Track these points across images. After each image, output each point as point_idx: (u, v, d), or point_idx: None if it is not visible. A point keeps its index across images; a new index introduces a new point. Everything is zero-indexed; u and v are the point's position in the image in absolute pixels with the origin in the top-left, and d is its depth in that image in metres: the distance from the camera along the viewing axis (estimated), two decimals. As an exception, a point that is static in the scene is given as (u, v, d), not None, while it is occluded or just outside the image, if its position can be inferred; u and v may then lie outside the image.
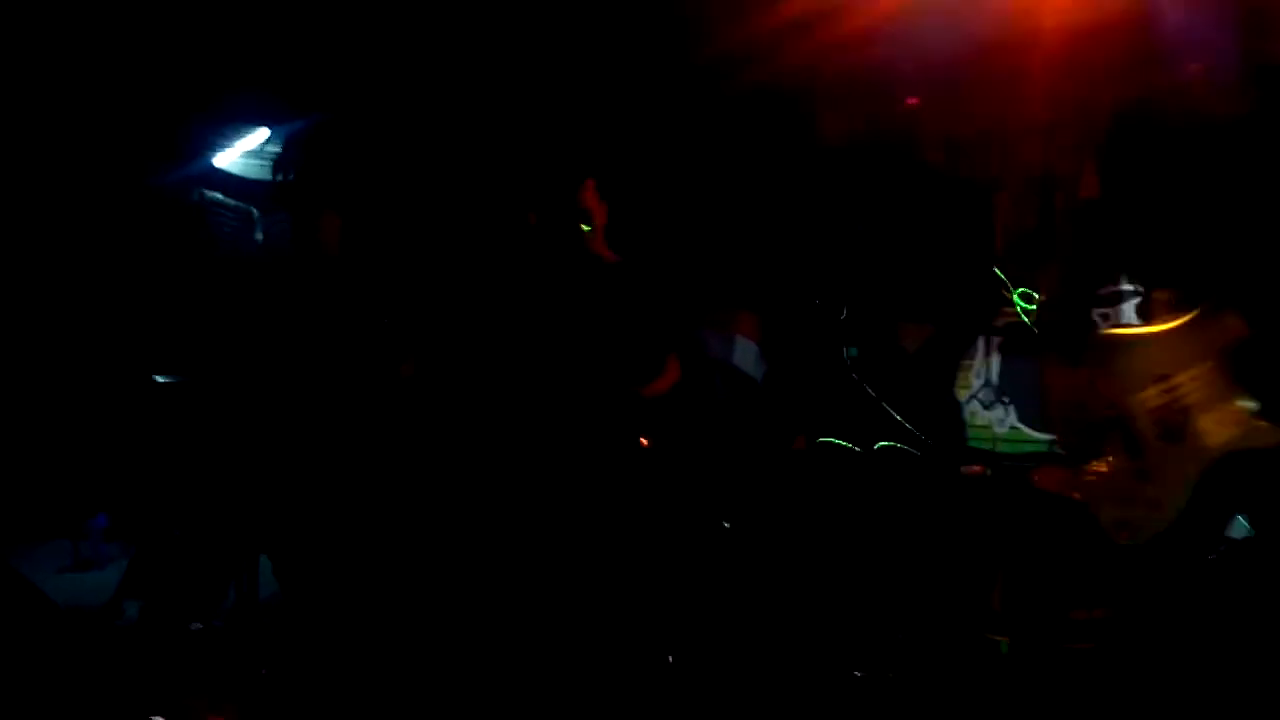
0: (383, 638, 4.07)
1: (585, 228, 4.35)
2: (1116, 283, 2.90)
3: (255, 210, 6.11)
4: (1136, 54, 2.77)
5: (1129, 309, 2.91)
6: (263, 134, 6.05)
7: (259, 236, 6.09)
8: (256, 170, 6.14)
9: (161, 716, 3.62)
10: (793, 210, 5.18)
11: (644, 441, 4.69)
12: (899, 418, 4.60)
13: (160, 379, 5.24)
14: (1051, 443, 3.44)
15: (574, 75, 5.12)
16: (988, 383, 5.70)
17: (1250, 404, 2.25)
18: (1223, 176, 2.43)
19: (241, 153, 6.26)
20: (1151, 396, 2.40)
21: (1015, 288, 5.64)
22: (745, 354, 5.20)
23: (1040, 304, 2.98)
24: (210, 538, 4.41)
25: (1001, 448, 5.52)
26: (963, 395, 5.39)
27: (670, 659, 4.25)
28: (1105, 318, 3.53)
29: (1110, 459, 2.45)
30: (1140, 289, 2.62)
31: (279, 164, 5.43)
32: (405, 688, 3.97)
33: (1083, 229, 2.74)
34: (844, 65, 4.88)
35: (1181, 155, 2.55)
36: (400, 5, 4.86)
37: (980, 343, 5.79)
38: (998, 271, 5.62)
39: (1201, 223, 2.45)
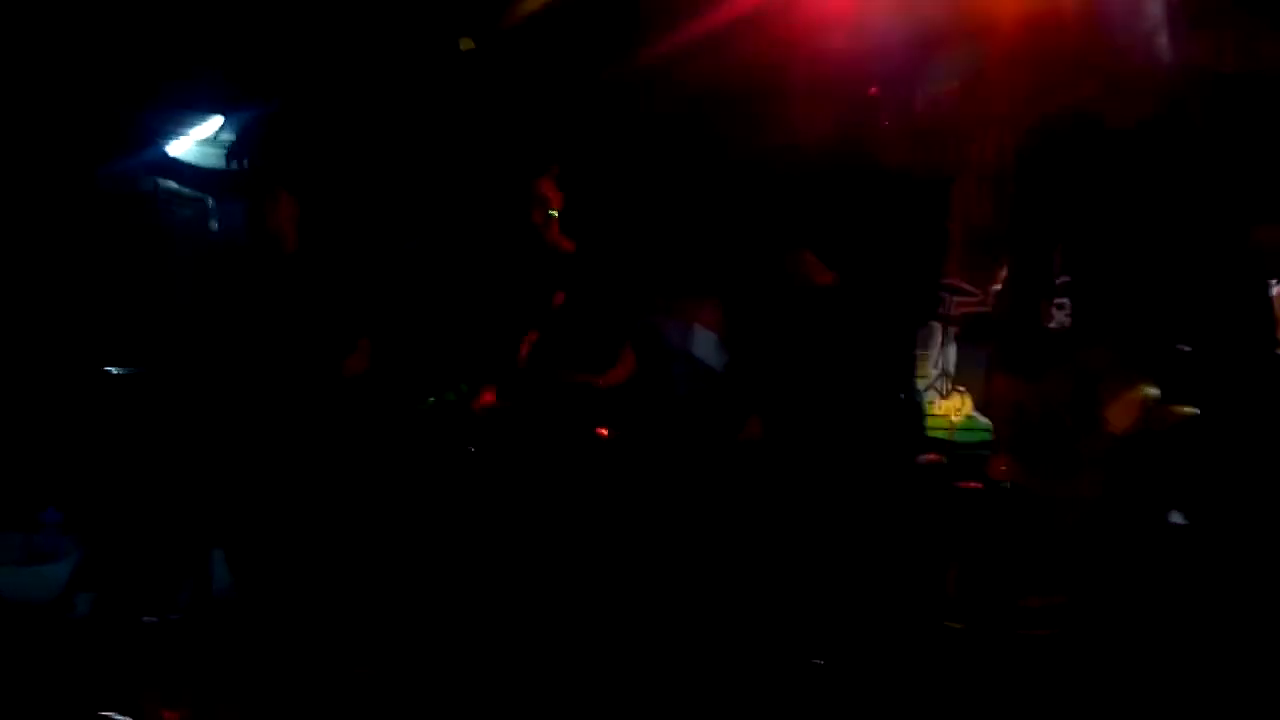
0: (338, 629, 4.05)
1: (545, 216, 4.33)
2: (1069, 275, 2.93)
3: (210, 199, 6.06)
4: (1087, 51, 2.80)
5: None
6: (217, 121, 6.00)
7: (214, 225, 6.04)
8: (211, 158, 6.08)
9: (115, 712, 3.57)
10: (750, 202, 5.20)
11: (603, 432, 4.69)
12: (858, 406, 4.61)
13: (114, 370, 5.18)
14: (992, 430, 3.48)
15: (532, 65, 5.10)
16: (944, 372, 5.76)
17: (1150, 390, 2.32)
18: (1152, 176, 2.48)
19: (196, 141, 6.20)
20: (1072, 390, 2.46)
21: (971, 280, 5.70)
22: (705, 344, 5.20)
23: (995, 296, 3.02)
24: (163, 531, 4.37)
25: (958, 436, 5.58)
26: (920, 385, 5.44)
27: (629, 647, 4.25)
28: (1061, 308, 3.56)
29: (1048, 451, 2.51)
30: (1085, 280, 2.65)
31: (233, 152, 5.39)
32: (361, 680, 3.96)
33: (1033, 221, 2.76)
34: (801, 58, 4.89)
35: (1122, 153, 2.59)
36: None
37: (938, 333, 5.85)
38: (952, 266, 5.68)
39: (1134, 221, 2.50)
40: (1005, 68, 5.17)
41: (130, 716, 3.52)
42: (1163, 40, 2.49)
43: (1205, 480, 2.40)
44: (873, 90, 4.98)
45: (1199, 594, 2.63)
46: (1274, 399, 2.38)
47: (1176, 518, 2.46)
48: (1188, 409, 2.32)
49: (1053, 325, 2.81)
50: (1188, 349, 2.36)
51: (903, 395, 4.65)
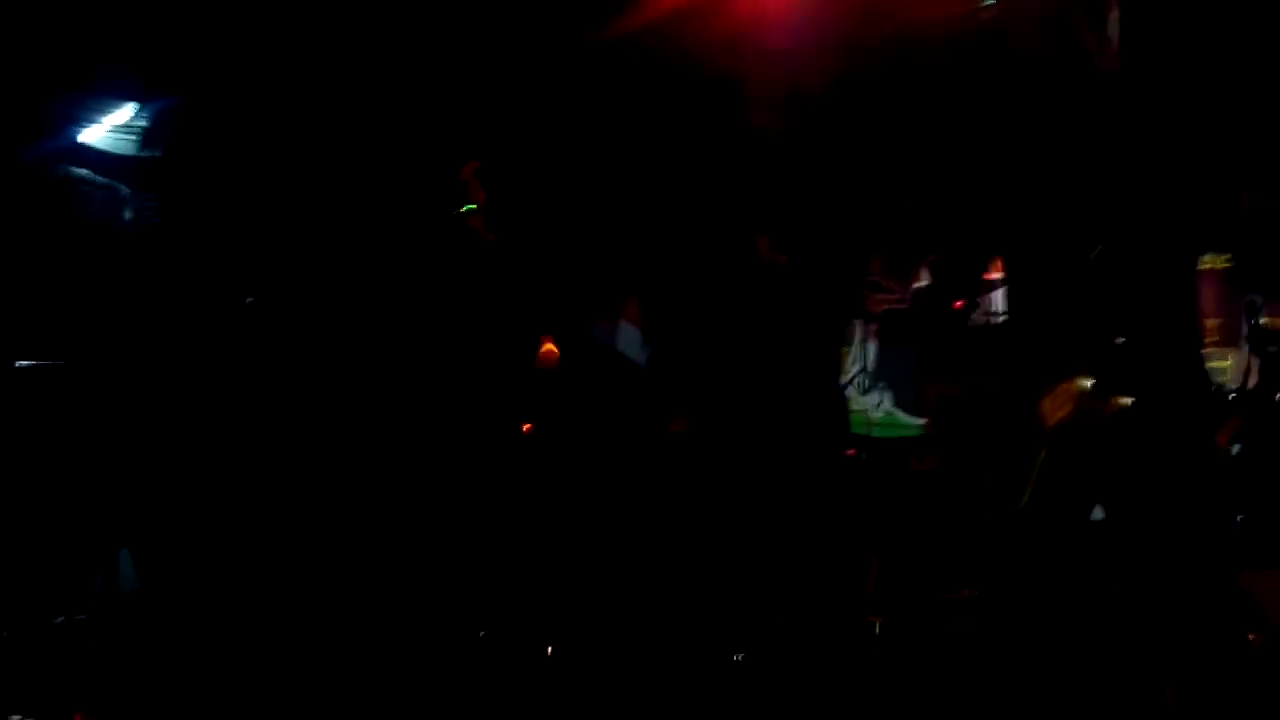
0: (250, 629, 3.98)
1: (467, 208, 4.29)
2: (988, 272, 2.98)
3: (124, 187, 5.90)
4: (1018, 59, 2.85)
5: (999, 297, 3.00)
6: (132, 108, 5.85)
7: (129, 215, 5.89)
8: (126, 146, 5.92)
9: (20, 715, 3.48)
10: (677, 198, 5.20)
11: (526, 427, 4.67)
12: (782, 402, 4.64)
13: (21, 364, 5.03)
14: (924, 427, 3.53)
15: (457, 57, 5.05)
16: (865, 369, 5.84)
17: (1086, 382, 2.37)
18: (1077, 175, 2.52)
19: (110, 128, 6.04)
20: (998, 383, 2.51)
21: (890, 277, 5.78)
22: (629, 340, 5.20)
23: (916, 293, 3.06)
24: (70, 529, 4.25)
25: (876, 432, 5.65)
26: (841, 381, 5.51)
27: (549, 645, 4.24)
28: (977, 306, 3.61)
29: (975, 444, 2.54)
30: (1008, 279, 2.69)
31: (146, 139, 5.25)
32: (272, 679, 3.90)
33: (954, 221, 2.80)
34: (732, 57, 4.91)
35: (1045, 152, 2.63)
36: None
37: (858, 329, 5.92)
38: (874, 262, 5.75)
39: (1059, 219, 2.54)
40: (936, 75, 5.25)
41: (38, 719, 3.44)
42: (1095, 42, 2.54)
43: (1129, 472, 2.44)
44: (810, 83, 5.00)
45: (1117, 585, 2.70)
46: (1194, 393, 2.43)
47: (1098, 513, 2.51)
48: (1124, 399, 2.36)
49: (978, 323, 2.86)
50: (1122, 340, 2.39)
51: (825, 391, 4.69)
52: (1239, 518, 3.40)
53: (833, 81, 5.03)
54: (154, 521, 4.12)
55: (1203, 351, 2.53)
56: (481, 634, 4.22)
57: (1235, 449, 3.38)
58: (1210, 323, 4.95)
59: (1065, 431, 2.40)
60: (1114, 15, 2.54)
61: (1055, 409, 2.41)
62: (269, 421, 4.25)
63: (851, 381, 5.61)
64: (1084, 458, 2.43)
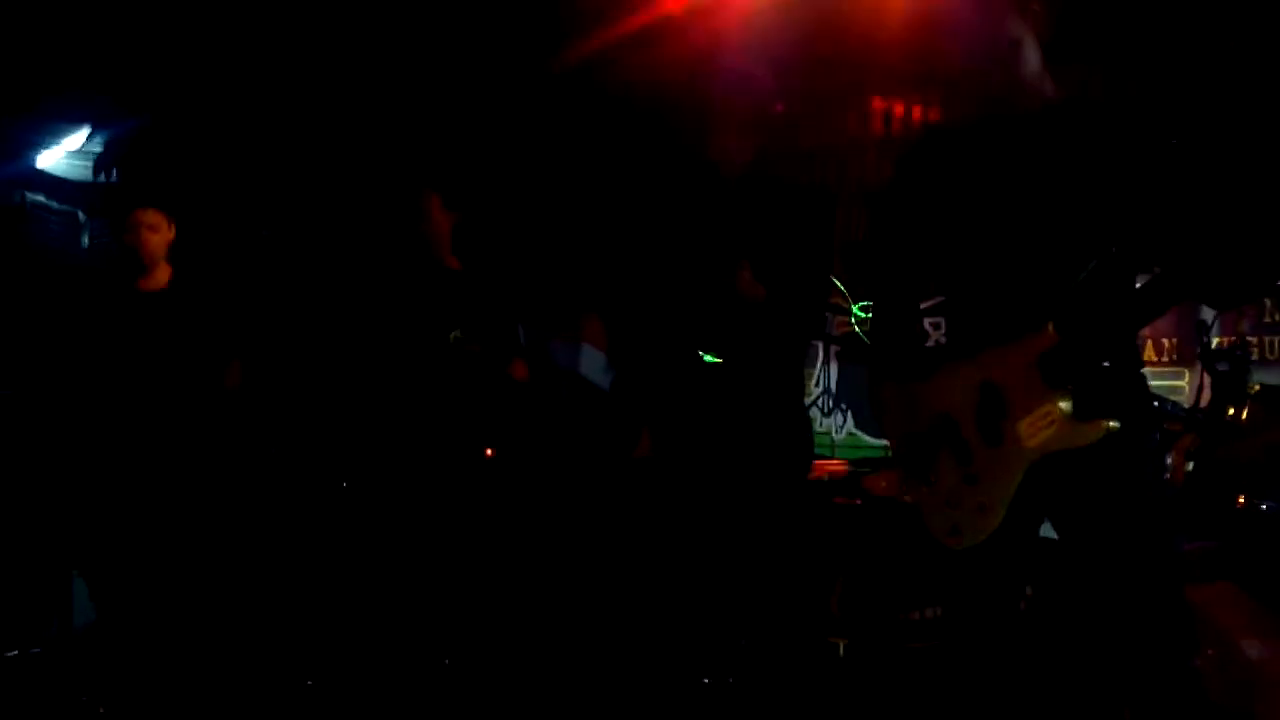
0: (205, 659, 3.93)
1: (434, 233, 4.29)
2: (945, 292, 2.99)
3: (81, 213, 5.86)
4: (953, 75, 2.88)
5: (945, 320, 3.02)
6: (87, 133, 5.81)
7: (85, 241, 5.85)
8: (82, 171, 5.88)
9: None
10: (638, 222, 5.22)
11: (489, 452, 4.65)
12: (745, 424, 4.64)
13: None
14: (886, 448, 3.53)
15: (418, 85, 5.05)
16: (827, 390, 5.86)
17: (1065, 405, 2.35)
18: (1040, 190, 2.54)
19: (66, 152, 6.00)
20: (974, 404, 2.48)
21: (853, 298, 5.81)
22: (592, 363, 5.20)
23: (871, 313, 3.06)
24: (22, 559, 4.19)
25: (839, 453, 5.67)
26: (804, 402, 5.52)
27: (511, 664, 4.22)
28: (936, 327, 3.63)
29: (940, 465, 2.53)
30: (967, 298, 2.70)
31: (99, 165, 5.22)
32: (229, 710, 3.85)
33: (912, 238, 2.81)
34: (688, 81, 4.94)
35: (1003, 170, 2.66)
36: (232, 5, 4.71)
37: (820, 351, 5.95)
38: (836, 282, 5.78)
39: (1017, 235, 2.56)
40: (883, 88, 5.30)
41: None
42: (1023, 69, 2.56)
43: (1083, 493, 2.45)
44: (778, 108, 5.03)
45: (1071, 604, 2.72)
46: (1136, 415, 2.45)
47: (1049, 530, 2.52)
48: (1109, 424, 2.34)
49: (930, 342, 2.86)
50: (1107, 364, 2.39)
51: (789, 412, 4.69)
52: (1190, 533, 3.44)
53: (795, 103, 5.08)
54: (108, 549, 4.06)
55: (1143, 371, 2.55)
56: (446, 661, 4.19)
57: (1189, 466, 3.42)
58: (1166, 342, 5.02)
59: (1049, 455, 2.38)
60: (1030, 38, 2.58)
61: (1034, 432, 2.39)
62: (226, 443, 4.21)
63: (814, 403, 5.63)
64: (1053, 479, 2.42)
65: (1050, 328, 2.41)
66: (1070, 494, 2.44)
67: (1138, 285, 2.44)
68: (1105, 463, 2.37)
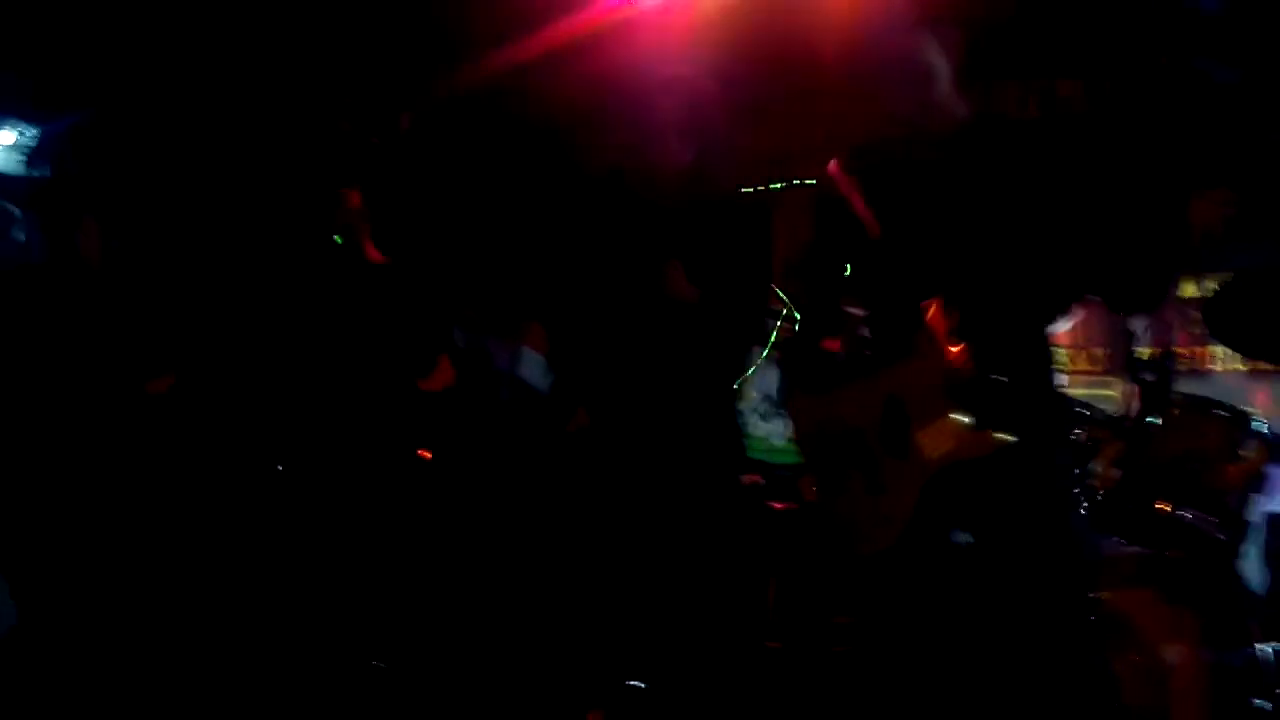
0: (133, 664, 3.87)
1: (354, 228, 4.27)
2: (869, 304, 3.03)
3: (16, 210, 5.77)
4: (902, 80, 2.92)
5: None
6: (24, 128, 5.73)
7: (20, 237, 5.75)
8: (17, 165, 5.80)
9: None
10: (576, 223, 5.21)
11: (425, 454, 4.63)
12: (681, 427, 4.65)
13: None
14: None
15: (350, 82, 5.03)
16: (766, 396, 5.88)
17: (964, 417, 2.42)
18: (947, 207, 2.60)
19: (1, 147, 5.92)
20: (879, 416, 2.54)
21: (791, 305, 5.83)
22: (531, 365, 5.19)
23: (797, 322, 3.10)
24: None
25: (777, 459, 5.69)
26: (742, 408, 5.53)
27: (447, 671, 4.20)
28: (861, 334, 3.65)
29: (849, 475, 2.58)
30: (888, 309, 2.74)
31: (33, 160, 5.14)
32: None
33: (838, 248, 2.86)
34: (620, 82, 4.95)
35: (931, 183, 2.71)
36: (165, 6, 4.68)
37: (759, 357, 5.96)
38: (777, 290, 5.80)
39: (926, 249, 2.62)
40: (815, 100, 5.35)
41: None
42: (939, 94, 2.62)
43: (996, 501, 2.50)
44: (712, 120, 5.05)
45: (988, 609, 2.75)
46: (1051, 427, 2.50)
47: (962, 537, 2.56)
48: (1003, 436, 2.41)
49: (850, 349, 2.90)
50: (1003, 379, 2.45)
51: (724, 417, 4.71)
52: (1115, 539, 3.49)
53: (734, 112, 5.09)
54: (36, 552, 3.99)
55: (1056, 381, 2.61)
56: (376, 664, 4.17)
57: (1116, 474, 3.47)
58: (1097, 352, 5.10)
59: (947, 466, 2.45)
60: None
61: (935, 444, 2.46)
62: (160, 450, 4.16)
63: (753, 409, 5.65)
64: (955, 488, 2.48)
65: (950, 341, 2.46)
66: (980, 501, 2.49)
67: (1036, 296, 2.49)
68: (1013, 470, 2.43)
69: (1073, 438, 3.36)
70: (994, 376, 2.47)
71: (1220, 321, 3.75)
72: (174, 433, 4.10)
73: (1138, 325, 4.01)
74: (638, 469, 4.59)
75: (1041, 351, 2.62)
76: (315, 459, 4.28)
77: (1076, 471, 3.29)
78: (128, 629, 3.91)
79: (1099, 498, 3.37)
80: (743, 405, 5.31)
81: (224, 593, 4.17)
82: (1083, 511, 3.15)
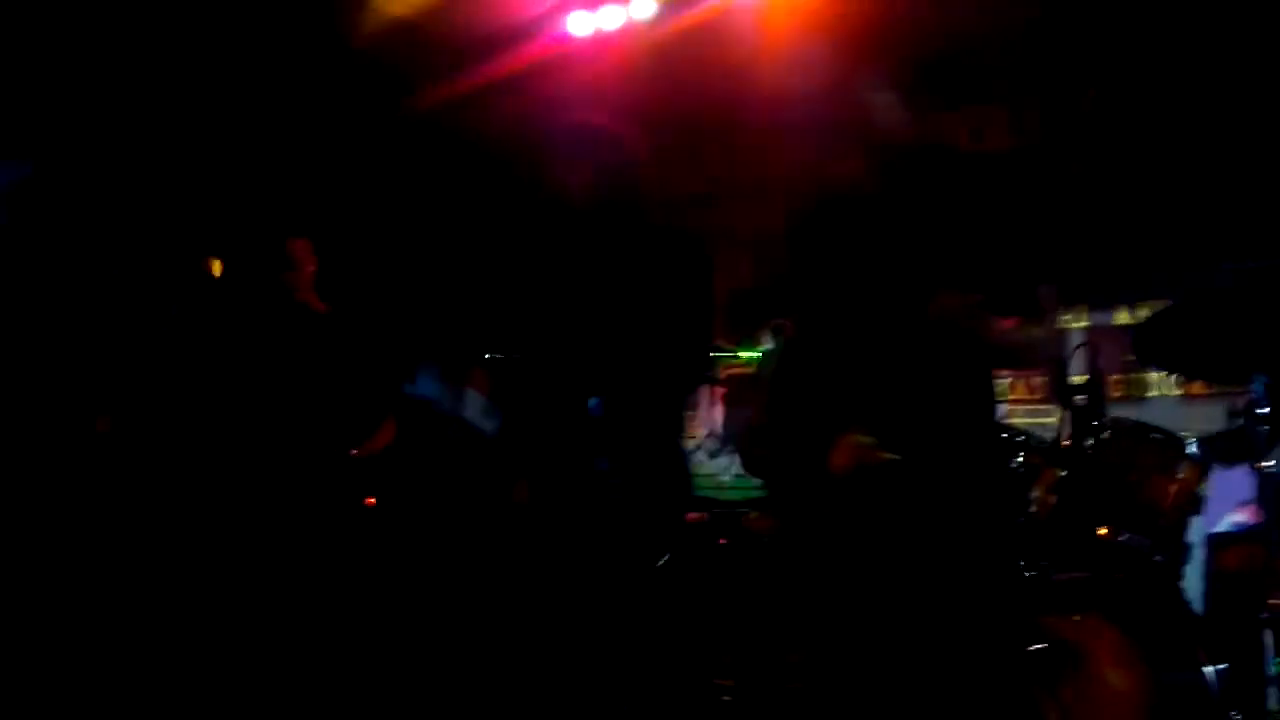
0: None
1: (297, 276, 4.25)
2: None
3: None
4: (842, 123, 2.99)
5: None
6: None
7: None
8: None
9: None
10: (520, 264, 5.21)
11: (370, 501, 4.59)
12: (629, 466, 4.64)
13: None
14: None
15: (285, 126, 5.02)
16: (712, 433, 5.90)
17: (867, 438, 2.55)
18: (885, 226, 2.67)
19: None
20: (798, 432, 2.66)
21: (737, 342, 5.87)
22: (476, 407, 5.18)
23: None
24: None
25: (727, 494, 5.70)
26: (689, 445, 5.55)
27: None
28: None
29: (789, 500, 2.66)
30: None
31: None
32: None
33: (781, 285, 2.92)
34: (568, 120, 4.97)
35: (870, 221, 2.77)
36: (100, 59, 4.66)
37: (705, 394, 5.99)
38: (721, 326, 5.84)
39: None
40: (775, 138, 5.41)
41: None
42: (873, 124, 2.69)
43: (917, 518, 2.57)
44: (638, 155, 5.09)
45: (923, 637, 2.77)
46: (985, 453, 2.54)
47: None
48: (890, 454, 2.54)
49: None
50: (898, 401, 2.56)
51: (669, 455, 4.71)
52: (1058, 564, 3.51)
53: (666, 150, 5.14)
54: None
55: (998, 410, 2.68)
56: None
57: (1053, 499, 3.50)
58: (1033, 380, 5.17)
59: (847, 483, 2.55)
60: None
61: (837, 459, 2.56)
62: (101, 490, 4.10)
63: (699, 446, 5.67)
64: (868, 512, 2.57)
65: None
66: (905, 525, 2.56)
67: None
68: (931, 493, 2.49)
69: (1011, 465, 3.39)
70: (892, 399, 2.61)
71: (1153, 346, 3.82)
72: (116, 471, 4.04)
73: (1069, 351, 4.07)
74: (585, 507, 4.58)
75: (974, 375, 2.69)
76: (258, 507, 4.22)
77: (1015, 498, 3.32)
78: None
79: (1038, 524, 3.40)
80: (690, 443, 5.33)
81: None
82: (1022, 538, 3.18)
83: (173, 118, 4.88)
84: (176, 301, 4.52)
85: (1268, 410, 3.36)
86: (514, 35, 5.00)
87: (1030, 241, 2.70)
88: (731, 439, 5.74)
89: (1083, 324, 5.06)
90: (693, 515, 4.77)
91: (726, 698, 4.33)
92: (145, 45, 4.90)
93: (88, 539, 3.98)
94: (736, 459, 5.70)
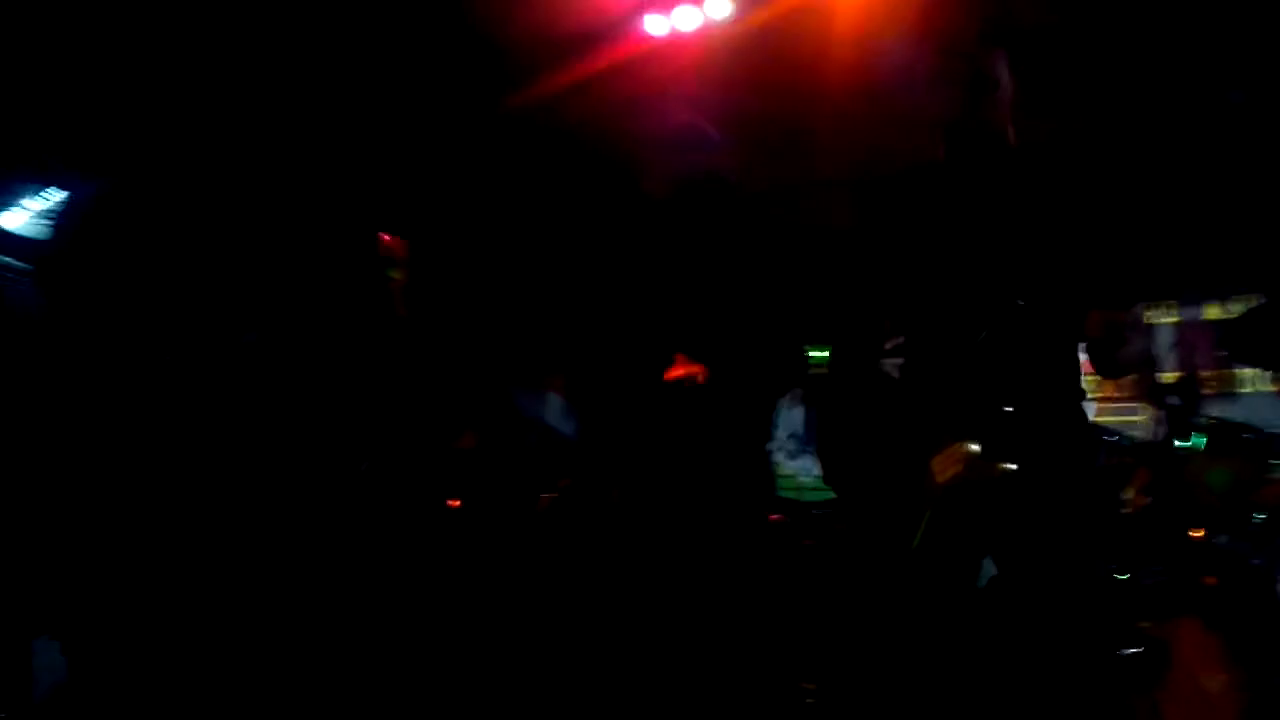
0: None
1: (392, 277, 4.30)
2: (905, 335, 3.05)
3: (21, 264, 5.84)
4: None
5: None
6: (55, 195, 5.82)
7: (26, 290, 5.83)
8: (39, 230, 5.89)
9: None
10: (605, 267, 5.24)
11: (454, 503, 4.65)
12: (711, 468, 4.65)
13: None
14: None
15: (373, 133, 5.09)
16: (793, 434, 5.87)
17: (973, 446, 2.48)
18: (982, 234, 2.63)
19: (31, 213, 6.00)
20: (901, 443, 2.59)
21: (820, 340, 5.83)
22: (556, 410, 5.21)
23: (834, 356, 3.13)
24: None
25: (807, 496, 5.67)
26: (770, 446, 5.53)
27: None
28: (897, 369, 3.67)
29: (872, 504, 2.62)
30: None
31: (59, 225, 5.22)
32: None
33: (870, 280, 2.89)
34: (659, 118, 5.00)
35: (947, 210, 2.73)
36: (188, 67, 4.77)
37: (785, 395, 5.96)
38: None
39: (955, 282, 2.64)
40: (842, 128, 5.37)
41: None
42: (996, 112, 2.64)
43: (1017, 530, 2.52)
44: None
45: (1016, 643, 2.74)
46: (1077, 456, 2.51)
47: (990, 568, 2.57)
48: (1006, 464, 2.45)
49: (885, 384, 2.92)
50: (1008, 409, 2.49)
51: (752, 457, 4.71)
52: (1154, 569, 3.45)
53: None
54: (91, 611, 4.00)
55: (1082, 409, 2.62)
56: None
57: (1146, 501, 3.45)
58: (1123, 379, 5.06)
59: (953, 492, 2.49)
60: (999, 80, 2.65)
61: (944, 469, 2.49)
62: (198, 502, 4.19)
63: (780, 447, 5.65)
64: (971, 520, 2.51)
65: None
66: (1002, 533, 2.51)
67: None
68: (1033, 500, 2.45)
69: (1101, 466, 3.35)
70: (1003, 406, 2.52)
71: (1246, 343, 3.73)
72: (210, 484, 4.12)
73: (1163, 349, 4.00)
74: (667, 509, 4.60)
75: (1066, 379, 2.63)
76: (345, 511, 4.29)
77: (1107, 500, 3.27)
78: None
79: (1131, 526, 3.35)
80: (771, 444, 5.31)
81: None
82: (1115, 540, 3.13)
83: (262, 119, 4.98)
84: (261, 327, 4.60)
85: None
86: (600, 33, 5.03)
87: (1120, 242, 2.64)
88: (814, 440, 5.72)
89: (1173, 320, 4.96)
90: (773, 517, 4.77)
91: (810, 700, 4.33)
92: (232, 51, 4.99)
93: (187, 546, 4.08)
94: (817, 460, 5.68)
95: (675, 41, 5.14)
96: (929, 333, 2.70)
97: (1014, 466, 2.45)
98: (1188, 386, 3.54)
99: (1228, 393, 4.83)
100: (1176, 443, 3.44)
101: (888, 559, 2.66)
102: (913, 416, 2.61)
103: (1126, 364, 2.47)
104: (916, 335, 2.74)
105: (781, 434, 5.68)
